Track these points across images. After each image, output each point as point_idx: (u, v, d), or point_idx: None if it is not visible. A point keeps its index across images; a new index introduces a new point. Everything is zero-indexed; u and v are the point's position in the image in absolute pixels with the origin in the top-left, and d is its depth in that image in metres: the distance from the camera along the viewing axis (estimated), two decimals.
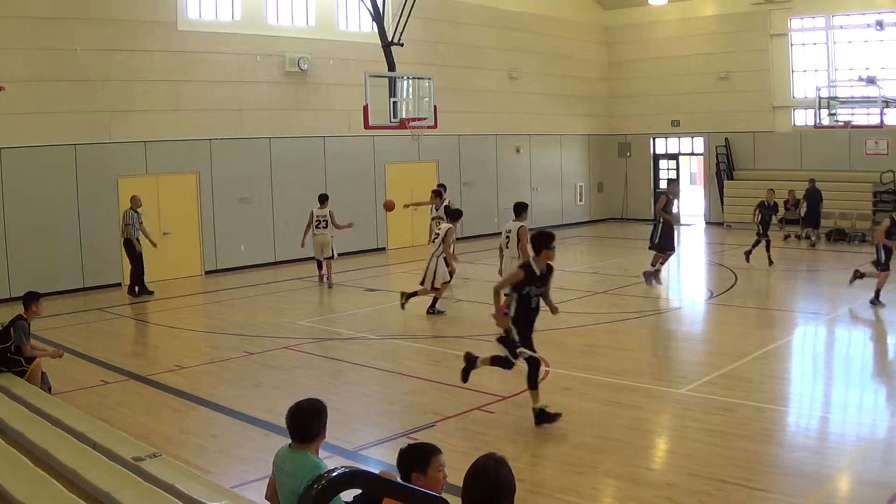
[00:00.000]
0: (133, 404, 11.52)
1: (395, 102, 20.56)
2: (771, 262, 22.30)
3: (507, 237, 15.65)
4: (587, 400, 11.34)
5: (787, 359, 13.79)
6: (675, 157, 35.80)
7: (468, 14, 29.81)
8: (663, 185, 35.71)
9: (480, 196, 30.24)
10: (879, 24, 29.20)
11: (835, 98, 29.28)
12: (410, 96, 21.18)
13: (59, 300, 19.26)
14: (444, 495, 4.56)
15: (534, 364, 10.16)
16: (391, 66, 21.37)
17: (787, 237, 28.00)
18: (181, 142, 22.52)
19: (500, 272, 15.46)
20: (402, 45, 21.74)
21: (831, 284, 20.27)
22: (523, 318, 10.29)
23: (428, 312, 17.14)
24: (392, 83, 20.64)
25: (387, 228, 27.56)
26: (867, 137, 29.64)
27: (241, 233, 23.86)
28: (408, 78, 21.31)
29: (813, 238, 27.37)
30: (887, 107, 28.54)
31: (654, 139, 35.77)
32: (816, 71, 31.18)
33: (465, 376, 10.92)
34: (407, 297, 17.25)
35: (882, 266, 16.96)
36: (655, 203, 18.94)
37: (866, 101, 29.04)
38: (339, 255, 21.83)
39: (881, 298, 16.72)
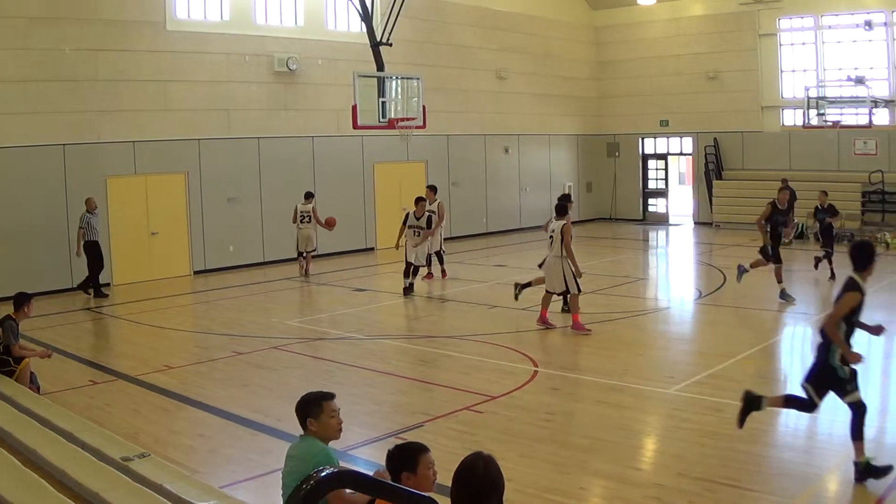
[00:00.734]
0: (122, 404, 11.50)
1: (383, 102, 20.57)
2: (833, 276, 19.95)
3: (552, 237, 15.19)
4: (575, 400, 11.37)
5: (775, 359, 13.86)
6: (663, 157, 35.88)
7: (457, 14, 29.84)
8: (652, 185, 35.86)
9: (469, 196, 30.27)
10: (868, 24, 29.31)
11: (823, 98, 29.41)
12: (399, 96, 21.19)
13: (48, 300, 19.21)
14: (433, 495, 4.57)
15: (860, 409, 8.43)
16: (380, 66, 21.39)
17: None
18: (170, 142, 22.48)
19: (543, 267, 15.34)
20: (390, 44, 21.76)
21: (820, 284, 20.32)
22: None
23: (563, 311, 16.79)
24: (381, 83, 20.65)
25: (376, 228, 27.53)
26: (856, 137, 29.76)
27: (230, 233, 23.82)
28: (396, 78, 21.32)
29: (787, 239, 27.41)
30: (876, 107, 28.68)
31: (642, 139, 35.84)
32: (805, 71, 31.30)
33: (741, 420, 8.66)
34: (521, 287, 17.06)
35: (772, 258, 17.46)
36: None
37: (855, 101, 29.19)
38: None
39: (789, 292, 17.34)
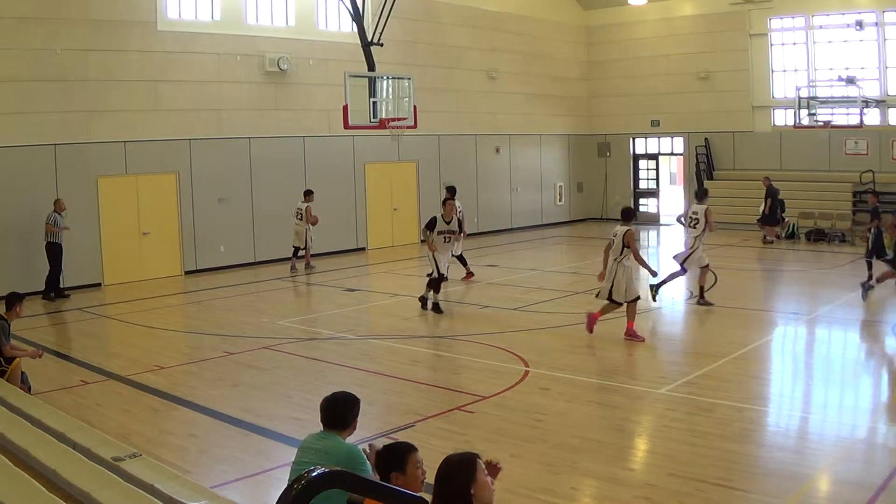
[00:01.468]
0: (113, 404, 11.49)
1: (374, 102, 20.55)
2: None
3: (613, 240, 14.78)
4: (566, 400, 11.38)
5: (766, 359, 13.85)
6: (654, 157, 35.92)
7: (448, 14, 29.85)
8: (643, 185, 35.89)
9: (460, 196, 30.04)
10: (859, 24, 29.39)
11: (814, 98, 29.47)
12: (390, 96, 21.18)
13: (39, 300, 19.19)
14: (422, 494, 4.59)
15: None
16: (371, 66, 21.38)
17: (777, 237, 28.09)
18: (161, 142, 22.45)
19: (601, 277, 14.82)
20: (381, 45, 21.75)
21: (811, 284, 20.37)
22: None
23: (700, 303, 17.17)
24: (372, 83, 20.64)
25: (367, 228, 27.53)
26: (847, 137, 29.85)
27: (221, 233, 23.80)
28: (387, 78, 21.30)
29: (770, 238, 27.54)
30: (867, 107, 28.76)
31: (633, 139, 35.87)
32: (796, 71, 31.36)
33: None
34: (656, 288, 17.32)
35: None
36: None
37: (846, 101, 29.24)
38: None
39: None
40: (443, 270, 17.23)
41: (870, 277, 17.49)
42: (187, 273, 23.11)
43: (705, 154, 33.02)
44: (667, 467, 8.73)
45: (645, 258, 14.91)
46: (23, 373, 11.52)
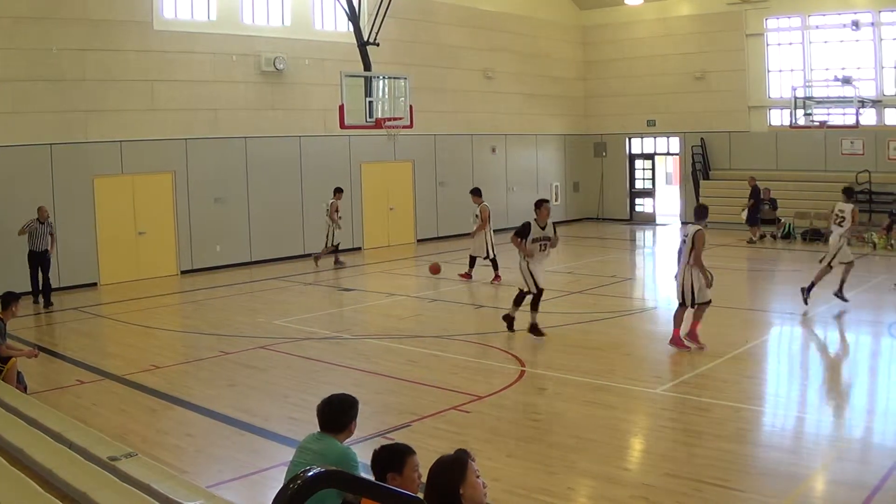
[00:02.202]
0: (109, 404, 11.50)
1: (370, 102, 20.56)
2: None
3: (684, 240, 14.08)
4: (563, 400, 11.41)
5: (762, 359, 13.88)
6: (650, 156, 35.96)
7: (444, 14, 29.85)
8: (639, 184, 35.94)
9: (456, 196, 30.18)
10: (855, 25, 29.46)
11: (810, 98, 29.57)
12: (386, 96, 21.20)
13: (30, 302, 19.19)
14: (419, 495, 4.60)
15: None
16: (367, 66, 21.39)
17: (762, 237, 28.13)
18: (157, 141, 22.43)
19: (676, 277, 14.19)
20: (377, 44, 21.76)
21: (807, 284, 20.39)
22: None
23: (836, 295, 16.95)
24: (368, 83, 20.65)
25: (363, 228, 27.51)
26: (843, 137, 29.91)
27: (217, 233, 23.78)
28: (383, 77, 21.32)
29: (754, 238, 27.62)
30: (863, 107, 28.84)
31: (629, 139, 35.91)
32: (792, 71, 31.42)
33: None
34: (808, 290, 17.01)
35: None
36: None
37: (842, 102, 29.32)
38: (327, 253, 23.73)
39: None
40: (541, 284, 14.97)
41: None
42: (183, 273, 23.10)
43: (701, 154, 33.06)
44: (663, 467, 8.75)
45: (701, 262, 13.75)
46: (19, 372, 11.51)
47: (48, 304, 19.33)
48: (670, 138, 34.87)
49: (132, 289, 20.70)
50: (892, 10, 29.18)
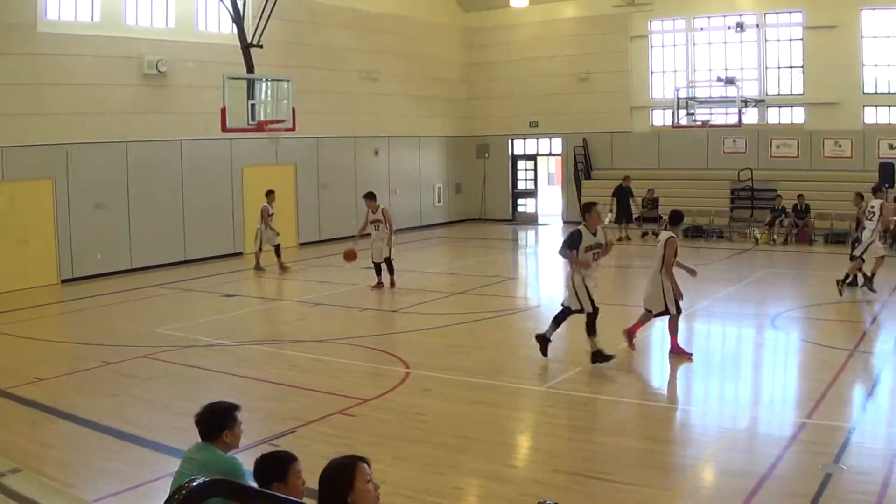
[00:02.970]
0: None
1: (253, 105, 20.52)
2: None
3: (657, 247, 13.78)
4: (447, 400, 11.66)
5: (646, 354, 14.20)
6: (533, 157, 36.54)
7: (328, 15, 29.80)
8: (521, 185, 36.46)
9: (339, 198, 30.22)
10: (740, 27, 30.51)
11: (693, 98, 30.53)
12: (269, 98, 21.18)
13: None
14: (303, 501, 4.75)
15: None
16: (250, 68, 21.33)
17: (644, 234, 28.83)
18: (38, 147, 21.81)
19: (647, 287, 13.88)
20: (261, 46, 21.71)
21: (690, 280, 20.95)
22: None
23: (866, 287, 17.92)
24: (251, 85, 20.59)
25: (244, 233, 27.12)
26: (725, 136, 31.06)
27: (98, 240, 23.29)
28: (266, 80, 21.29)
29: (623, 235, 28.41)
30: (746, 107, 29.92)
31: (512, 140, 36.49)
32: (676, 72, 32.41)
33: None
34: (843, 282, 17.79)
35: None
36: None
37: (725, 102, 30.34)
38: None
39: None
40: (595, 301, 13.16)
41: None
42: (64, 281, 22.54)
43: (583, 154, 33.75)
44: (550, 463, 9.07)
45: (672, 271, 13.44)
46: None
47: None
48: (553, 139, 35.59)
49: (12, 299, 20.20)
50: (776, 13, 30.42)
